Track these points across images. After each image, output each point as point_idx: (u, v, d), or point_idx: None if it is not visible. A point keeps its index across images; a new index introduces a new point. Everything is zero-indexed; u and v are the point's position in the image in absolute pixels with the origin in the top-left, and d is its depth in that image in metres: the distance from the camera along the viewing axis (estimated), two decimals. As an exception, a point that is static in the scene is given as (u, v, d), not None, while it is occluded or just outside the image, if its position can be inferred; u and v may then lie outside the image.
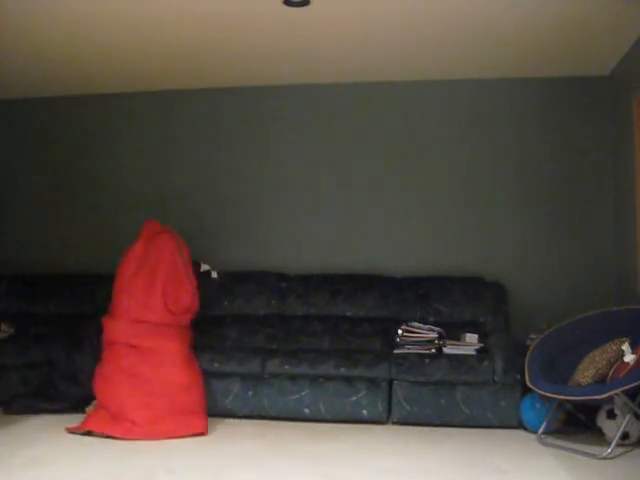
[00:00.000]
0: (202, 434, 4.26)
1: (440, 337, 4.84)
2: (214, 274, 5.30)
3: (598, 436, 4.08)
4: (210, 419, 4.47)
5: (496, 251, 5.49)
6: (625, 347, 3.95)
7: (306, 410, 4.59)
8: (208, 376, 4.66)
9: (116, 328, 4.59)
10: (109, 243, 5.92)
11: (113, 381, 4.42)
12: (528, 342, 4.64)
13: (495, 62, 5.23)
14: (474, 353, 4.69)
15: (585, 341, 4.30)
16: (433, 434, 4.34)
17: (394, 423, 4.57)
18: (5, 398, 4.79)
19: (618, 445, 3.82)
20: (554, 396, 4.01)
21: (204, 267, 5.24)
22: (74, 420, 4.43)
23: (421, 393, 4.51)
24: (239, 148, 5.88)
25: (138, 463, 3.69)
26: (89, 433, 4.21)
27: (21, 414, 4.64)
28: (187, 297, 4.79)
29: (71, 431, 4.26)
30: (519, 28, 4.54)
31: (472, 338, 4.86)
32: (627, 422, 3.85)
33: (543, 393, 4.06)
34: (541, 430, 4.17)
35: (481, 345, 4.78)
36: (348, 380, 4.59)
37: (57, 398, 4.76)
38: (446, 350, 4.77)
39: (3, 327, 5.24)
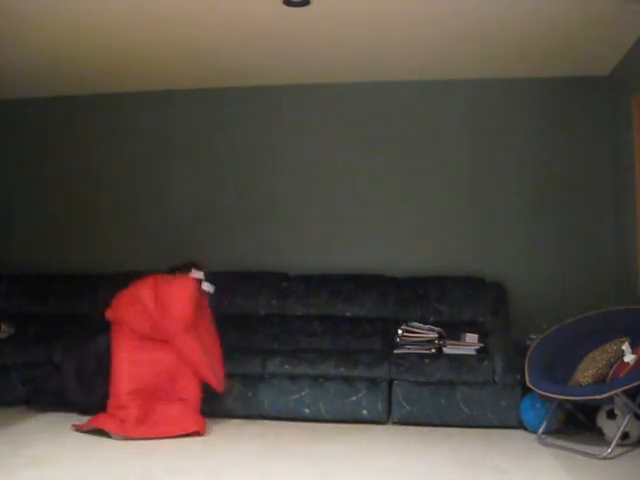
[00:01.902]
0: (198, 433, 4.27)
1: (440, 337, 4.85)
2: (206, 285, 4.85)
3: (598, 436, 4.08)
4: (210, 419, 4.47)
5: (496, 251, 5.49)
6: (625, 347, 3.95)
7: (306, 410, 4.59)
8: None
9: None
10: (110, 243, 5.93)
11: None
12: (528, 342, 4.63)
13: (495, 62, 5.23)
14: (474, 353, 4.69)
15: (585, 341, 4.29)
16: (433, 434, 4.34)
17: (394, 423, 4.57)
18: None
19: (618, 445, 3.82)
20: (554, 396, 4.01)
21: (196, 274, 4.82)
22: (75, 419, 4.44)
23: (421, 393, 4.51)
24: (238, 148, 5.88)
25: (138, 463, 3.69)
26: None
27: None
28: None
29: (77, 429, 4.28)
30: (519, 28, 4.54)
31: (472, 338, 4.86)
32: (627, 422, 3.85)
33: (543, 393, 4.06)
34: (541, 430, 4.17)
35: (481, 345, 4.79)
36: (348, 380, 4.59)
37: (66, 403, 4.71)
38: (446, 350, 4.77)
39: (3, 327, 5.24)
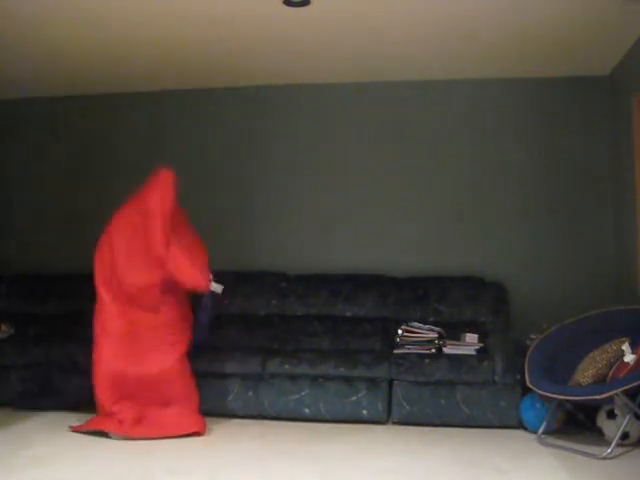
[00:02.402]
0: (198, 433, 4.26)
1: (440, 337, 4.85)
2: (214, 286, 4.65)
3: (598, 436, 4.08)
4: (210, 419, 4.47)
5: (496, 251, 5.49)
6: (625, 347, 3.95)
7: (306, 410, 4.59)
8: (208, 376, 4.66)
9: None
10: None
11: None
12: (528, 342, 4.63)
13: (495, 62, 5.23)
14: (474, 353, 4.69)
15: (585, 341, 4.29)
16: (433, 434, 4.34)
17: (394, 423, 4.57)
18: (11, 397, 4.78)
19: (618, 445, 3.82)
20: (554, 396, 4.01)
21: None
22: (74, 419, 4.44)
23: (421, 393, 4.51)
24: (238, 148, 5.88)
25: (138, 464, 3.69)
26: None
27: (26, 410, 4.64)
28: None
29: (75, 430, 4.27)
30: (519, 28, 4.54)
31: (472, 338, 4.86)
32: (627, 422, 3.85)
33: (543, 393, 4.07)
34: (541, 430, 4.17)
35: (481, 345, 4.79)
36: (348, 380, 4.59)
37: (55, 394, 4.74)
38: (446, 350, 4.77)
39: (3, 327, 5.24)
